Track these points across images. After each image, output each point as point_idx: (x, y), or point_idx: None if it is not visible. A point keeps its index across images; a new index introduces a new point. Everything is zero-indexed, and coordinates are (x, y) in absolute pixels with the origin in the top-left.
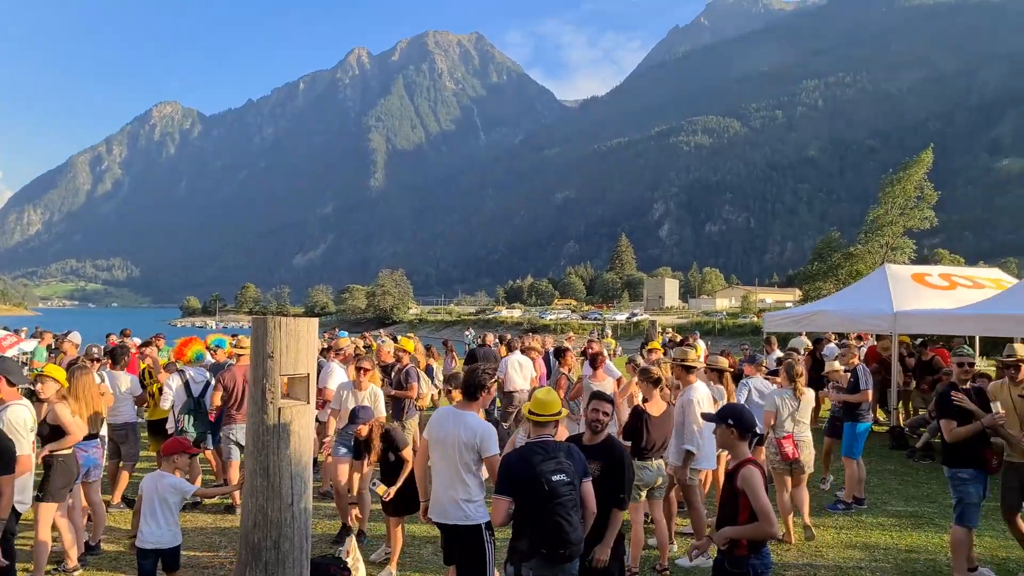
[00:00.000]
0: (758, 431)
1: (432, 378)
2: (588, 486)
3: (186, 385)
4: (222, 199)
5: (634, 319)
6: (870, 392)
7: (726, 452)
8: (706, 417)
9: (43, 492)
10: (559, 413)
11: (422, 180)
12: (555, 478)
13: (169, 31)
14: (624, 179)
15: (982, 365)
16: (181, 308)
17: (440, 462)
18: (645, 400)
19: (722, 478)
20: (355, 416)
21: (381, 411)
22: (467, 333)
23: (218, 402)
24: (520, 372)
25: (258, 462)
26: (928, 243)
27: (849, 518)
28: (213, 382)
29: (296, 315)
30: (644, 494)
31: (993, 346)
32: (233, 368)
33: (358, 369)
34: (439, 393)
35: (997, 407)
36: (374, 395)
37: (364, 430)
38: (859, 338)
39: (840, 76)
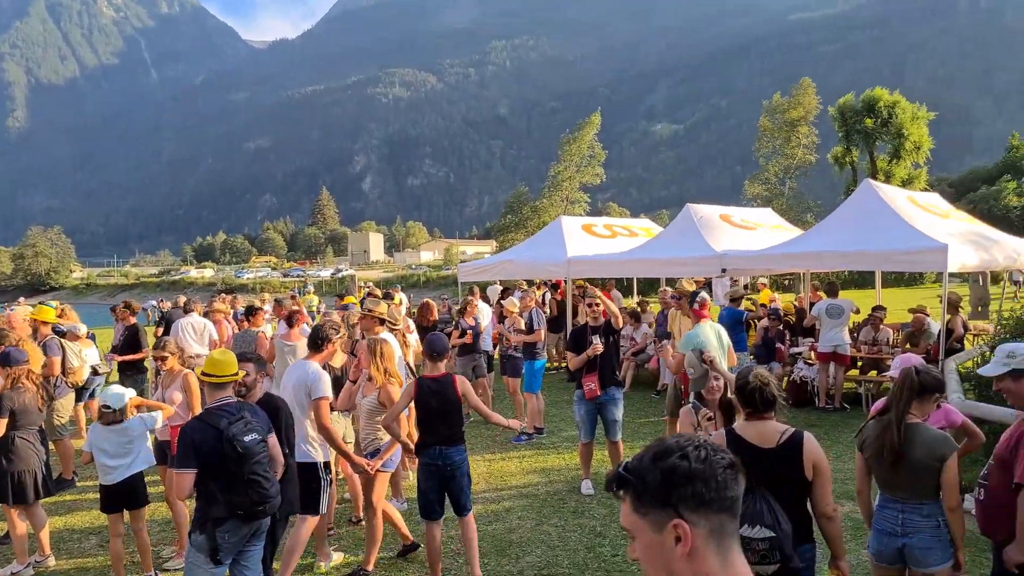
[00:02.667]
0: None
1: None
2: (274, 438)
3: None
4: None
5: (339, 275)
6: (543, 331)
7: None
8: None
9: None
10: (236, 373)
11: (80, 120)
12: (247, 439)
13: None
14: (322, 129)
15: (637, 302)
16: None
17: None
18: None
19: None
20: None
21: None
22: (151, 302)
23: None
24: (195, 335)
25: None
26: (601, 197)
27: (531, 447)
28: None
29: None
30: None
31: (648, 285)
32: None
33: None
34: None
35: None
36: None
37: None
38: (545, 284)
39: (525, 39)
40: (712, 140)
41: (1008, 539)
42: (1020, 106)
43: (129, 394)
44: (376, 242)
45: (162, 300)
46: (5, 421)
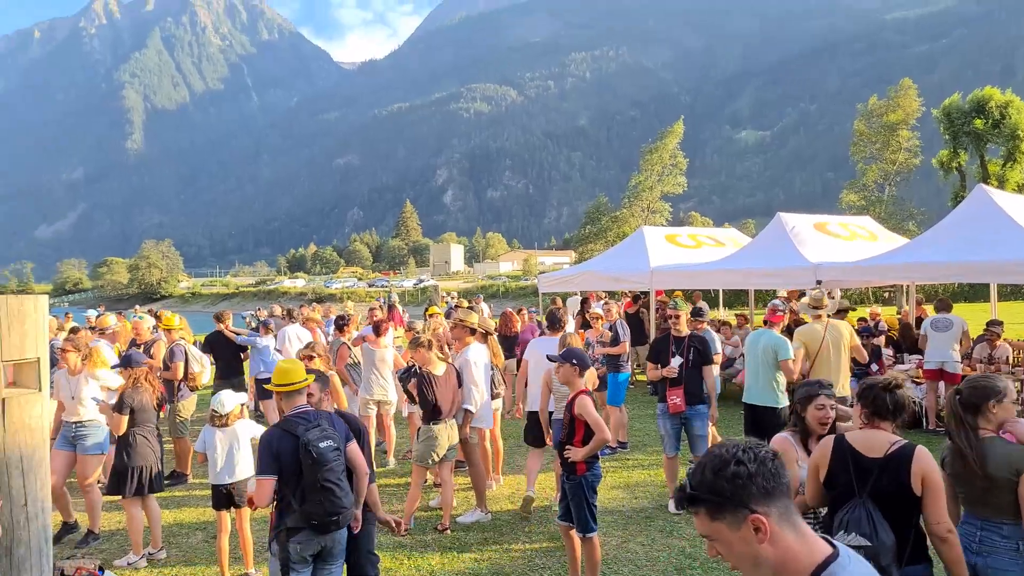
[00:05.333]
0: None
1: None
2: (354, 446)
3: None
4: None
5: (421, 285)
6: (628, 344)
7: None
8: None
9: None
10: (305, 380)
11: (188, 143)
12: (322, 444)
13: None
14: (407, 145)
15: (725, 314)
16: None
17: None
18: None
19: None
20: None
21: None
22: (251, 313)
23: None
24: (300, 344)
25: None
26: (683, 207)
27: (615, 461)
28: None
29: (43, 294)
30: (440, 457)
31: (735, 296)
32: None
33: (63, 350)
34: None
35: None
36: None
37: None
38: (627, 295)
39: (604, 50)
40: (801, 145)
41: None
42: None
43: (238, 399)
44: (456, 253)
45: (259, 308)
46: (126, 418)
